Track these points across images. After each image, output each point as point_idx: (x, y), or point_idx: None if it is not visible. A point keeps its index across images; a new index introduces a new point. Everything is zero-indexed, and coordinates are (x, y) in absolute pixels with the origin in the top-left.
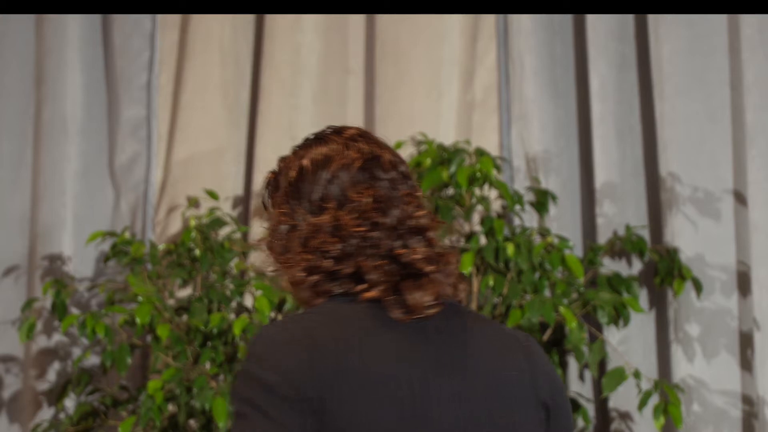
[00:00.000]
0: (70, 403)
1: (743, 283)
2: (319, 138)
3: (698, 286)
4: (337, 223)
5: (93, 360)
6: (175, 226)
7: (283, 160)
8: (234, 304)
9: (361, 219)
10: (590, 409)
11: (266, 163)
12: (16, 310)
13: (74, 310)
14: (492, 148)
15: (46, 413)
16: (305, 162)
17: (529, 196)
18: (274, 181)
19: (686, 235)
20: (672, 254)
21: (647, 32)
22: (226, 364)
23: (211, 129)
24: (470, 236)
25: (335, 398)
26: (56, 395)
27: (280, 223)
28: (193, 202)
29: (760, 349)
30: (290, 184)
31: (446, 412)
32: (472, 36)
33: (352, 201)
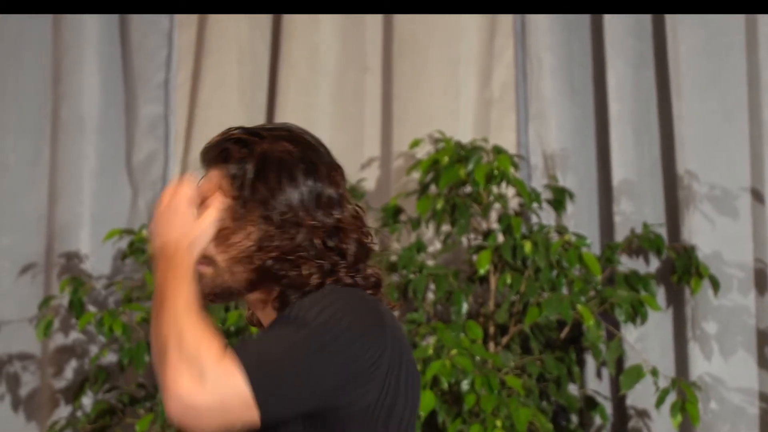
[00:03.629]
0: (87, 401)
1: (761, 281)
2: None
3: (715, 284)
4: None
5: (110, 358)
6: None
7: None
8: None
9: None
10: (608, 406)
11: None
12: (33, 308)
13: (91, 308)
14: (509, 146)
15: (64, 411)
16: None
17: (546, 194)
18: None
19: (704, 232)
20: (689, 252)
21: (665, 30)
22: None
23: (228, 124)
24: (488, 234)
25: (404, 367)
26: (73, 393)
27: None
28: None
29: None
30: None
31: None
32: (490, 34)
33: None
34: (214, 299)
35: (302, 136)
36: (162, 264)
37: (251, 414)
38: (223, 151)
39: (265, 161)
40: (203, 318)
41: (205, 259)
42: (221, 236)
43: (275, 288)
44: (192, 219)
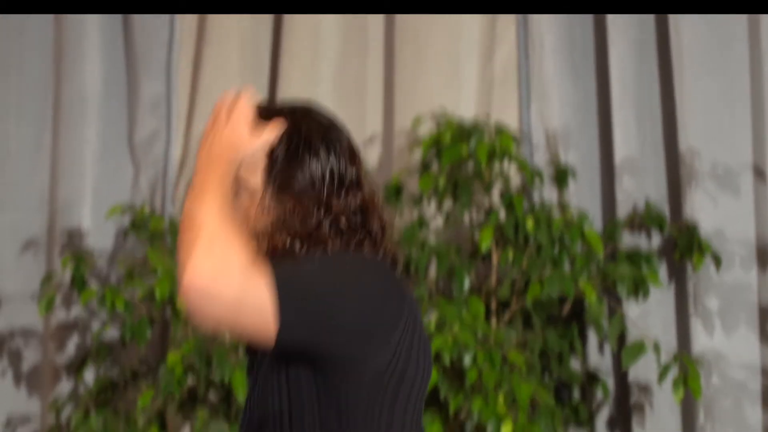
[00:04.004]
0: (89, 376)
1: (762, 258)
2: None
3: (717, 261)
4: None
5: (112, 333)
6: None
7: None
8: None
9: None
10: (609, 382)
11: None
12: (35, 284)
13: (93, 284)
14: (512, 123)
15: (66, 386)
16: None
17: (548, 172)
18: None
19: (706, 209)
20: (691, 229)
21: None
22: None
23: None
24: (490, 211)
25: (417, 336)
26: (75, 368)
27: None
28: None
29: None
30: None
31: None
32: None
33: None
34: None
35: (323, 115)
36: (207, 162)
37: (265, 326)
38: None
39: (290, 138)
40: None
41: None
42: (240, 210)
43: None
44: (246, 135)
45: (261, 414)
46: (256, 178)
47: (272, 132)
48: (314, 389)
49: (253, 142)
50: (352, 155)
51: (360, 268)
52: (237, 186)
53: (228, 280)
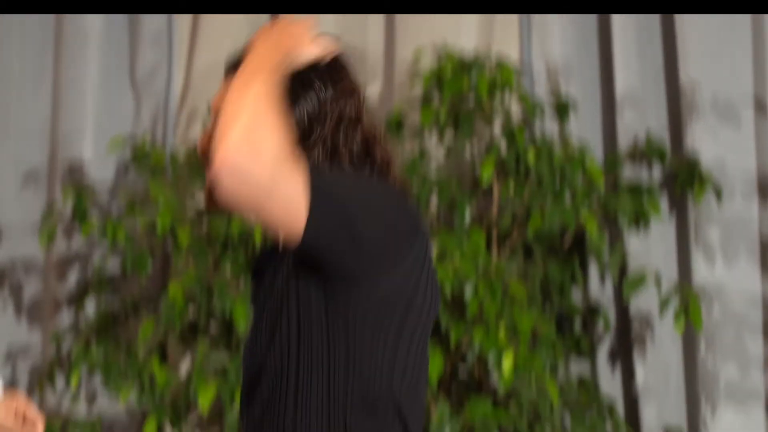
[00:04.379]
0: (90, 307)
1: (763, 189)
2: None
3: (718, 193)
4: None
5: (113, 265)
6: (195, 132)
7: None
8: None
9: None
10: (611, 313)
11: None
12: (36, 215)
13: (94, 217)
14: (513, 56)
15: (66, 317)
16: None
17: (549, 104)
18: None
19: (706, 141)
20: (692, 161)
21: None
22: (247, 268)
23: (232, 37)
24: (491, 144)
25: (427, 266)
26: (76, 300)
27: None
28: None
29: None
30: None
31: None
32: None
33: None
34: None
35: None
36: (265, 47)
37: (293, 219)
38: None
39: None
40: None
41: None
42: None
43: None
44: (306, 41)
45: (268, 338)
46: None
47: (327, 47)
48: (323, 307)
49: (312, 47)
50: (352, 90)
51: (383, 189)
52: None
53: (264, 162)
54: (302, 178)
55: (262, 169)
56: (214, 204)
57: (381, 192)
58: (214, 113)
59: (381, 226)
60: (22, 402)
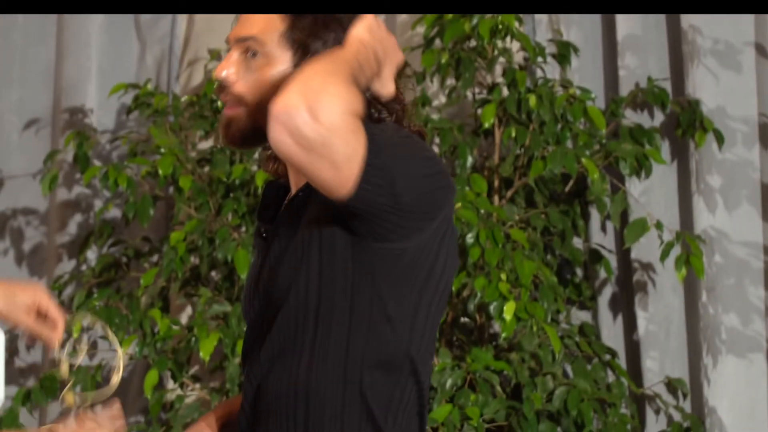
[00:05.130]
0: (92, 255)
1: (765, 135)
2: None
3: (720, 138)
4: None
5: (115, 212)
6: (198, 78)
7: None
8: (256, 155)
9: None
10: (612, 260)
11: None
12: (38, 162)
13: (96, 163)
14: None
15: (68, 265)
16: None
17: (551, 48)
18: None
19: (708, 87)
20: (694, 106)
21: None
22: (249, 216)
23: None
24: (492, 88)
25: (449, 233)
26: (78, 247)
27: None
28: (215, 55)
29: None
30: None
31: None
32: None
33: None
34: (243, 143)
35: None
36: (360, 49)
37: (342, 179)
38: None
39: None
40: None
41: (236, 98)
42: (254, 72)
43: None
44: (400, 51)
45: (284, 289)
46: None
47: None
48: (349, 265)
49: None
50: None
51: (422, 147)
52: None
53: (321, 122)
54: (360, 142)
55: (317, 127)
56: (229, 138)
57: (421, 150)
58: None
59: (423, 188)
60: (44, 299)
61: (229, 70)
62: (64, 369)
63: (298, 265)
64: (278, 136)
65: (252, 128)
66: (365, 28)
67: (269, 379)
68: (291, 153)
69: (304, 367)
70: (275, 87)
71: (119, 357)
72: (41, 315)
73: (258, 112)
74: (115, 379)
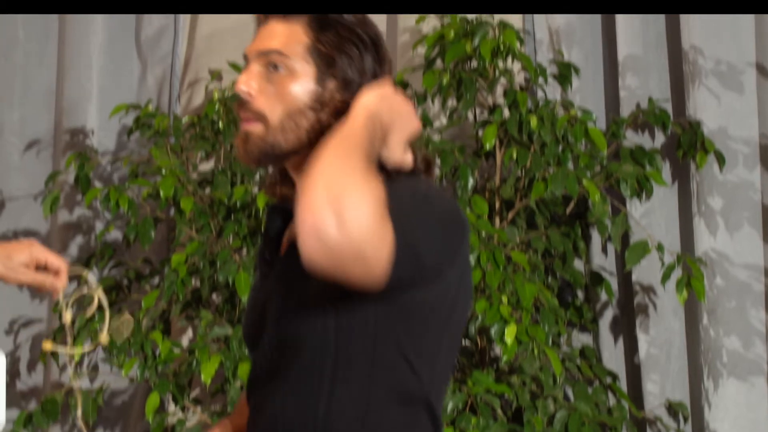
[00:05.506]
0: (93, 277)
1: (766, 156)
2: None
3: (721, 159)
4: None
5: (116, 234)
6: (198, 99)
7: None
8: (257, 176)
9: None
10: (613, 282)
11: None
12: (40, 183)
13: (98, 184)
14: (515, 20)
15: (69, 287)
16: None
17: (552, 69)
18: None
19: (709, 108)
20: (695, 127)
21: None
22: (250, 237)
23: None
24: (494, 109)
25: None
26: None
27: None
28: (216, 75)
29: None
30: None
31: None
32: None
33: None
34: (260, 161)
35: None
36: (368, 120)
37: (373, 276)
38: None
39: (338, 27)
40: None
41: (256, 114)
42: (276, 86)
43: None
44: (416, 119)
45: (299, 323)
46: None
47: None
48: (370, 314)
49: (417, 125)
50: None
51: (436, 198)
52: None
53: (349, 230)
54: (388, 235)
55: (349, 242)
56: (248, 154)
57: (437, 206)
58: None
59: (443, 244)
60: (41, 253)
61: (251, 83)
62: (67, 317)
63: (318, 309)
64: (311, 255)
65: (271, 145)
66: (376, 96)
67: (285, 416)
68: (324, 268)
69: (322, 407)
70: (297, 103)
71: (105, 308)
72: (41, 268)
73: (278, 128)
74: (103, 336)
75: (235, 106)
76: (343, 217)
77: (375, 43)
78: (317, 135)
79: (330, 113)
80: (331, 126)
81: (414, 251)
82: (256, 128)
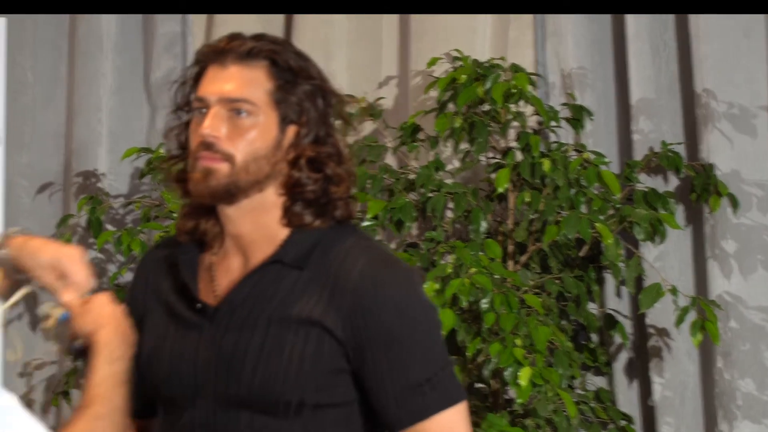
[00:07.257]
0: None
1: None
2: None
3: (734, 202)
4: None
5: (129, 277)
6: None
7: None
8: None
9: None
10: (627, 325)
11: None
12: (51, 227)
13: (109, 227)
14: (527, 64)
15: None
16: None
17: (564, 112)
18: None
19: (722, 151)
20: (708, 170)
21: None
22: None
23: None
24: (506, 152)
25: None
26: None
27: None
28: None
29: None
30: None
31: None
32: None
33: None
34: (219, 197)
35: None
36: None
37: None
38: (260, 51)
39: (295, 71)
40: None
41: (223, 155)
42: (240, 131)
43: (285, 194)
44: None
45: (264, 381)
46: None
47: None
48: (342, 375)
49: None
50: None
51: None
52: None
53: None
54: None
55: None
56: (208, 190)
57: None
58: None
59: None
60: (67, 261)
61: (219, 129)
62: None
63: (287, 364)
64: None
65: (235, 184)
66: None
67: None
68: None
69: None
70: (262, 148)
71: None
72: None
73: (243, 169)
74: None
75: (196, 147)
76: None
77: (324, 81)
78: (269, 178)
79: (287, 158)
80: (285, 170)
81: None
82: (222, 167)
